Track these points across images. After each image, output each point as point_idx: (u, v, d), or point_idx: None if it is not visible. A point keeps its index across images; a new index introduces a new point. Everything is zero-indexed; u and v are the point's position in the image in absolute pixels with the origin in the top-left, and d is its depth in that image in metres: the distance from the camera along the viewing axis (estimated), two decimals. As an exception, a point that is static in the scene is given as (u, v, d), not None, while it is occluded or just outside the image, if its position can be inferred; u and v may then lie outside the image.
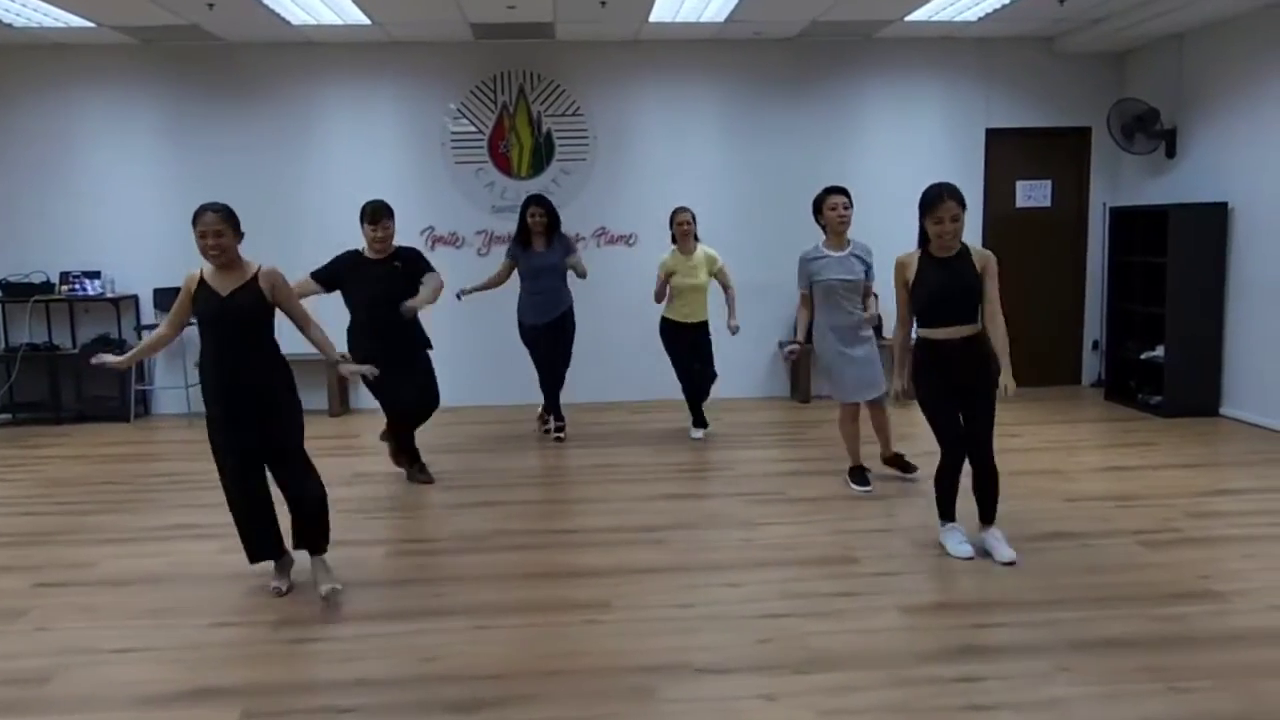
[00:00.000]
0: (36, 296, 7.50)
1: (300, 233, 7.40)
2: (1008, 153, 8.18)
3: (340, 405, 7.79)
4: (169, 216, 7.32)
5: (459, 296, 6.20)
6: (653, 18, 6.99)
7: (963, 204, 3.93)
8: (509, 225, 7.47)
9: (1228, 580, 3.87)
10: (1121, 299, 7.71)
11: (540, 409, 6.79)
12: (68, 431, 7.37)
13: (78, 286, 7.59)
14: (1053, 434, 6.63)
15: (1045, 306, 8.35)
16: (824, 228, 5.11)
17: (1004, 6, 6.83)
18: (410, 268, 5.25)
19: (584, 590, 3.90)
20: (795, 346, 5.38)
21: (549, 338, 6.35)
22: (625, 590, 3.88)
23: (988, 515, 4.20)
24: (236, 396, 3.72)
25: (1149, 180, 7.84)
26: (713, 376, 6.51)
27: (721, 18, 7.01)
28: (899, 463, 5.41)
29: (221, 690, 3.09)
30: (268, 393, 3.75)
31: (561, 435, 6.59)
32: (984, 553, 4.16)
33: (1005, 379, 4.01)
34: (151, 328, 7.71)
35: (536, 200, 6.30)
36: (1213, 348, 7.08)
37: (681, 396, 6.64)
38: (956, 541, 4.19)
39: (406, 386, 5.27)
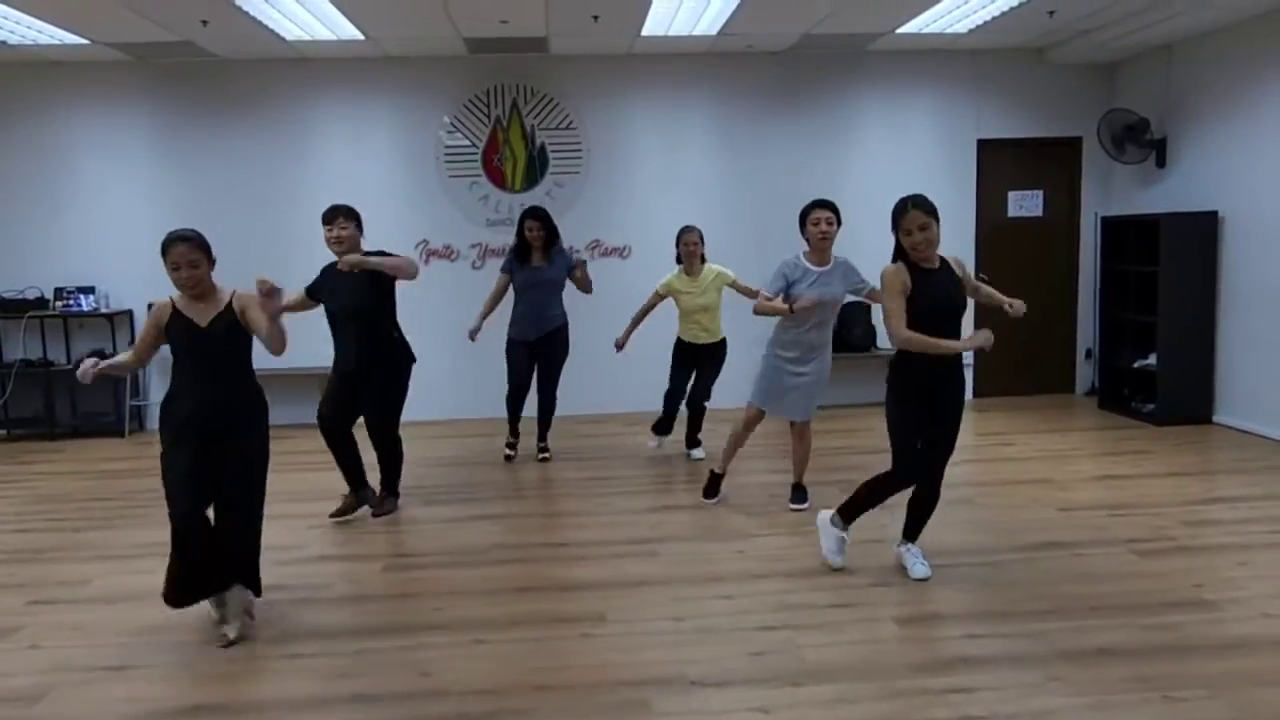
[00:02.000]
0: (31, 312, 7.50)
1: (294, 248, 7.39)
2: (999, 163, 8.22)
3: (335, 419, 7.78)
4: (163, 232, 7.24)
5: (472, 338, 6.15)
6: (645, 31, 7.03)
7: (932, 214, 3.74)
8: (503, 238, 7.51)
9: (1221, 589, 3.88)
10: (1114, 308, 7.75)
11: (507, 435, 6.45)
12: (62, 447, 7.36)
13: (72, 302, 7.59)
14: (1045, 443, 6.65)
15: (1038, 316, 8.25)
16: (808, 241, 4.91)
17: (994, 18, 6.88)
18: (349, 277, 4.90)
19: (578, 604, 3.91)
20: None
21: (533, 355, 6.16)
22: (619, 603, 3.88)
23: (914, 533, 4.16)
24: (207, 428, 3.52)
25: (1140, 190, 7.89)
26: (701, 399, 6.19)
27: (714, 31, 7.06)
28: (797, 491, 5.19)
29: (216, 707, 3.09)
30: (241, 428, 3.58)
31: (547, 456, 6.40)
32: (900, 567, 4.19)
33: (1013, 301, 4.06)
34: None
35: (534, 214, 6.12)
36: (1205, 355, 7.12)
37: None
38: (835, 549, 4.20)
39: (361, 399, 5.05)
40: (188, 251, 3.50)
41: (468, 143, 7.87)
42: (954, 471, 5.92)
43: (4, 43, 6.72)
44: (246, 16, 6.23)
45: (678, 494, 5.58)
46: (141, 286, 7.61)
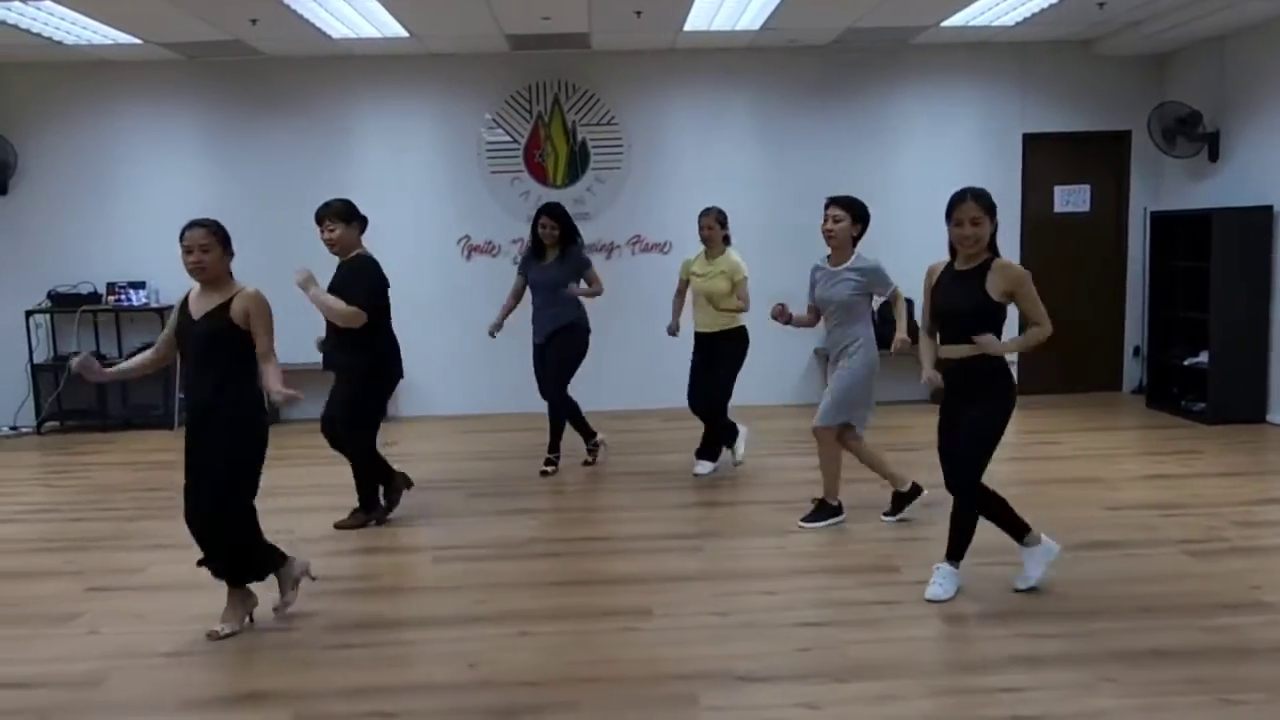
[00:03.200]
0: (84, 307, 7.68)
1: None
2: (1045, 158, 8.11)
3: (378, 413, 7.87)
4: (212, 228, 7.48)
5: (492, 335, 6.01)
6: (687, 26, 7.03)
7: (988, 209, 3.58)
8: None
9: (1279, 591, 3.80)
10: (1163, 304, 7.60)
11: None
12: (113, 439, 7.53)
13: (123, 297, 7.76)
14: (1092, 441, 6.55)
15: (1084, 312, 8.25)
16: None
17: (1042, 10, 6.78)
18: (342, 279, 4.78)
19: (622, 597, 3.92)
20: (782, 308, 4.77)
21: (544, 358, 5.92)
22: (662, 598, 3.89)
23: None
24: (195, 425, 3.53)
25: (1191, 184, 7.73)
26: (706, 401, 5.71)
27: (756, 26, 7.03)
28: (897, 500, 4.82)
29: (271, 694, 3.15)
30: (214, 429, 3.46)
31: (548, 469, 5.98)
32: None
33: (990, 339, 3.57)
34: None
35: (548, 210, 5.84)
36: (1258, 353, 6.96)
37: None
38: (932, 580, 3.82)
39: (331, 403, 4.90)
40: (200, 236, 3.47)
41: (509, 139, 7.92)
42: (998, 469, 5.84)
43: (60, 43, 6.88)
44: (295, 15, 6.32)
45: (718, 489, 5.58)
46: (191, 281, 7.75)
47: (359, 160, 7.89)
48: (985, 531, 4.33)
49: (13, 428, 7.82)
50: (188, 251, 3.47)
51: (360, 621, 3.74)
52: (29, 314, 7.72)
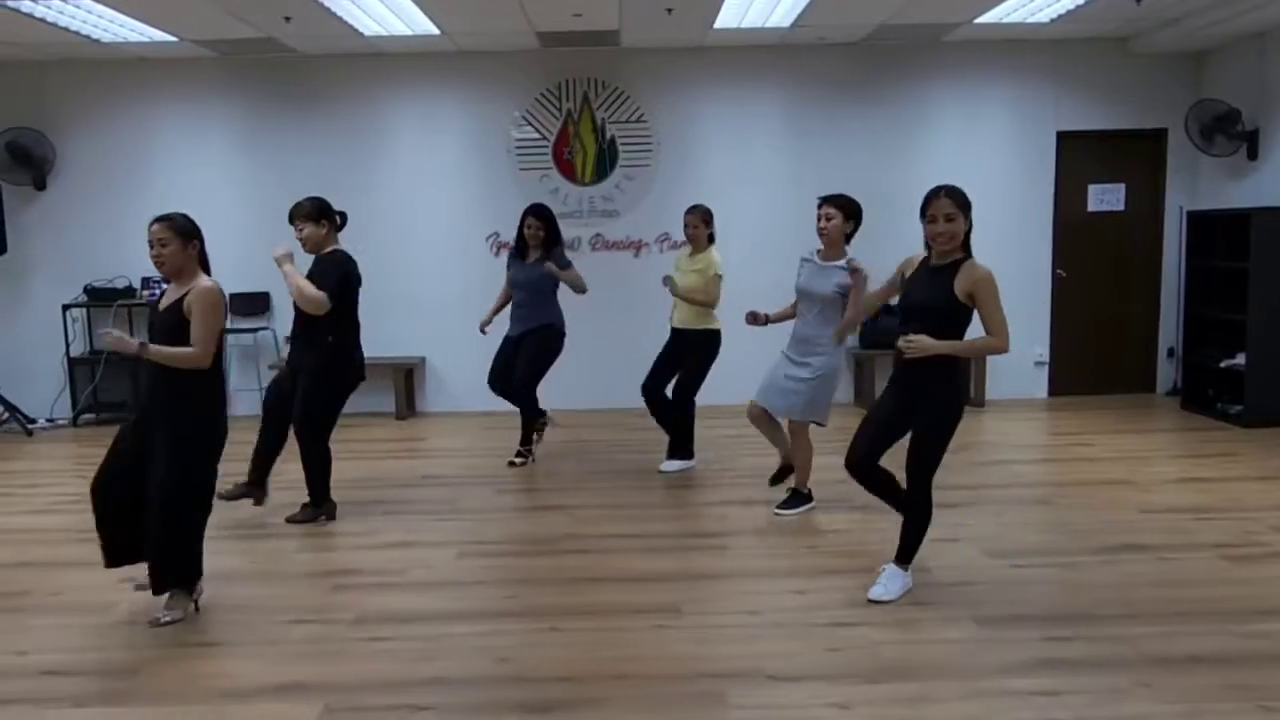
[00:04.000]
0: (120, 301, 7.77)
1: (368, 239, 7.53)
2: (1080, 156, 8.01)
3: (407, 408, 7.93)
4: (245, 223, 7.57)
5: (482, 331, 6.10)
6: (718, 24, 7.01)
7: (962, 206, 3.58)
8: (573, 231, 7.59)
9: (1318, 597, 3.74)
10: (1199, 305, 7.49)
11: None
12: (148, 431, 7.61)
13: (158, 291, 7.82)
14: (1125, 443, 6.46)
15: (1118, 313, 8.17)
16: None
17: (1078, 7, 6.69)
18: (314, 274, 4.82)
19: (651, 595, 3.92)
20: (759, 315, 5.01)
21: (513, 353, 5.97)
22: (692, 596, 3.89)
23: (899, 551, 3.85)
24: (144, 412, 3.66)
25: (1229, 183, 7.61)
26: (672, 395, 5.77)
27: (787, 23, 6.99)
28: (780, 473, 5.17)
29: (303, 685, 3.18)
30: (162, 421, 3.54)
31: (516, 461, 6.11)
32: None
33: (922, 340, 3.54)
34: (227, 332, 7.96)
35: (535, 211, 5.94)
36: (1298, 355, 6.84)
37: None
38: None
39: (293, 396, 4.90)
40: (159, 230, 3.62)
41: (538, 136, 7.93)
42: (1031, 471, 5.88)
43: (97, 41, 6.97)
44: (328, 12, 6.36)
45: (742, 488, 5.55)
46: (224, 276, 7.68)
47: (390, 157, 7.94)
48: (1026, 532, 4.32)
49: (49, 419, 7.95)
50: (150, 245, 3.62)
51: (390, 615, 3.76)
52: (66, 308, 7.83)
